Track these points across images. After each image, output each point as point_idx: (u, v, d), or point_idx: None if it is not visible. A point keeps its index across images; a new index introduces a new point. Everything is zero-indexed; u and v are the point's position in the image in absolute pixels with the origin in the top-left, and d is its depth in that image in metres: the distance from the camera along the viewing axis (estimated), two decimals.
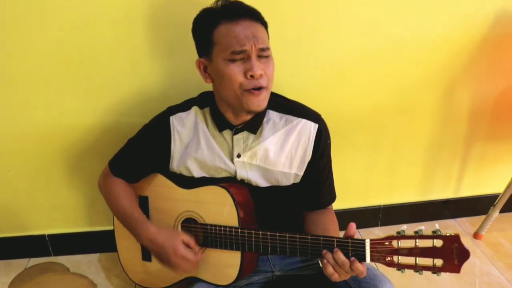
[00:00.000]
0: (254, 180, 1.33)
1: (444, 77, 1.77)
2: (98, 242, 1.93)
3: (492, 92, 1.86)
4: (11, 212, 1.85)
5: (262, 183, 1.34)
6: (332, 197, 1.42)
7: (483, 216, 1.97)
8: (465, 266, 1.00)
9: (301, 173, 1.34)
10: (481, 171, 2.05)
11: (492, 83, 1.84)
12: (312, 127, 1.31)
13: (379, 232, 2.07)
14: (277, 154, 1.31)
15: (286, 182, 1.34)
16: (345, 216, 1.91)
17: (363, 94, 1.75)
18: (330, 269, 1.11)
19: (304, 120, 1.31)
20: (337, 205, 1.45)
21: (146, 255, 1.47)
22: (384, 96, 1.77)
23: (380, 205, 2.02)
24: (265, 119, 1.31)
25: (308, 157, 1.32)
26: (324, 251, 1.12)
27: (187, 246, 1.27)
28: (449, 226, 2.08)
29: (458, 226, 2.09)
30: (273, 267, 1.41)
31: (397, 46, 1.67)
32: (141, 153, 1.40)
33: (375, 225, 2.09)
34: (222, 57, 1.17)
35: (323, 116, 1.34)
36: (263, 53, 1.18)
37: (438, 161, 1.97)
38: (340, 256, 1.09)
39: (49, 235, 1.91)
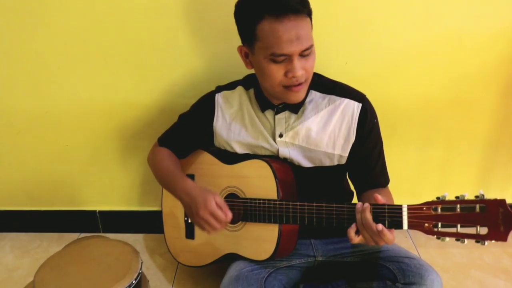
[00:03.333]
0: (296, 159, 1.32)
1: (504, 73, 1.68)
2: (146, 223, 1.97)
3: None
4: (66, 187, 1.93)
5: (305, 163, 1.33)
6: (386, 178, 1.39)
7: None
8: None
9: (346, 154, 1.32)
10: None
11: None
12: (356, 106, 1.29)
13: None
14: (320, 134, 1.30)
15: (330, 162, 1.33)
16: None
17: (417, 87, 1.70)
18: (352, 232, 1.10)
19: (347, 100, 1.29)
20: None
21: (190, 233, 1.50)
22: (439, 90, 1.70)
23: None
24: (307, 99, 1.31)
25: (352, 137, 1.29)
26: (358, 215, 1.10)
27: (219, 207, 1.23)
28: None
29: None
30: (315, 252, 1.40)
31: (454, 38, 1.61)
32: (187, 127, 1.45)
33: None
34: (263, 55, 1.15)
35: (375, 107, 1.32)
36: (305, 52, 1.15)
37: (496, 162, 1.86)
38: (367, 216, 1.07)
39: (100, 212, 1.97)
